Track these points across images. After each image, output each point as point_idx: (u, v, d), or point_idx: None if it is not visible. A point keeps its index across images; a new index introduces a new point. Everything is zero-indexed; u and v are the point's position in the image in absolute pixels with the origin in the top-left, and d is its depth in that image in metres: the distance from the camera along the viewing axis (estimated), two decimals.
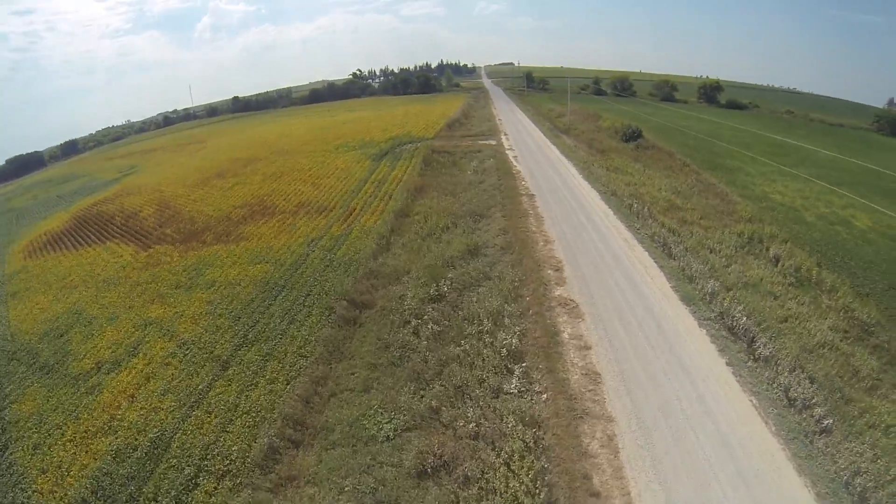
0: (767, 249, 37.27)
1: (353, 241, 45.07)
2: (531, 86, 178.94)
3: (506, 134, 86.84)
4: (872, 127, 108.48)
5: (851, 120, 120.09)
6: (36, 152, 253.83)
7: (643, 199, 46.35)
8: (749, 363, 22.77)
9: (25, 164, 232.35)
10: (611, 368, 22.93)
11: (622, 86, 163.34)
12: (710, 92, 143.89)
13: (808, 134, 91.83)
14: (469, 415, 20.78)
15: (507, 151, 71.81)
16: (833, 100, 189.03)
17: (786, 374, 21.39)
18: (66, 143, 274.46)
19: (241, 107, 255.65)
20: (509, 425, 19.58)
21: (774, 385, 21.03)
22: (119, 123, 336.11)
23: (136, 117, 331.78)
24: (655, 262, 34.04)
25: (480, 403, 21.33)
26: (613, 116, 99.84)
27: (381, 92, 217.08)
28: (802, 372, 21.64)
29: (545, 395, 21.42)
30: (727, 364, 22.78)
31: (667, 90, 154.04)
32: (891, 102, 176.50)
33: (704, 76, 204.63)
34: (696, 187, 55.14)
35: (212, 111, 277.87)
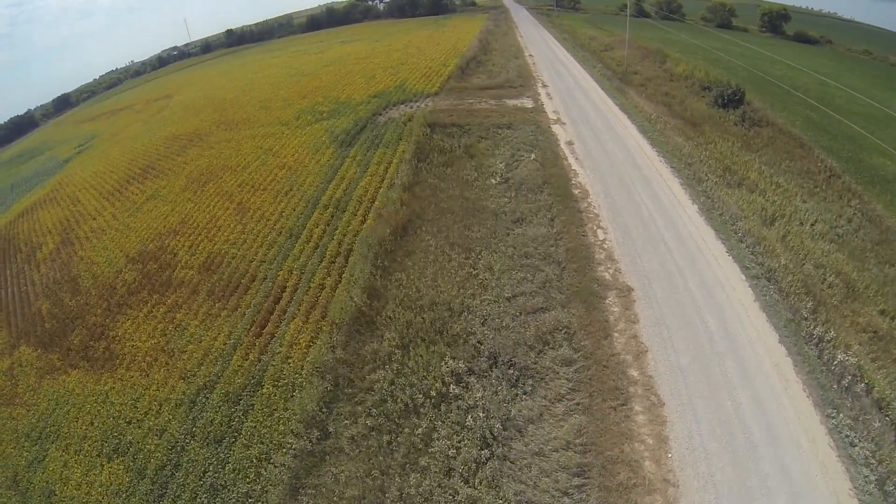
0: None
1: (258, 412, 21.77)
2: (560, 4, 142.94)
3: (544, 84, 56.86)
4: None
5: None
6: (27, 112, 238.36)
7: (810, 283, 22.64)
8: None
9: (18, 127, 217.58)
10: None
11: (669, 7, 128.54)
12: (776, 20, 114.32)
13: None
14: None
15: (552, 127, 42.94)
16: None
17: None
18: (58, 98, 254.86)
19: (236, 40, 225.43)
20: None
21: None
22: (122, 66, 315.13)
23: (140, 57, 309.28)
24: None
25: None
26: (683, 55, 68.91)
27: (385, 14, 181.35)
28: None
29: None
30: None
31: (724, 15, 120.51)
32: None
33: None
34: (865, 231, 29.22)
35: (206, 47, 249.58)
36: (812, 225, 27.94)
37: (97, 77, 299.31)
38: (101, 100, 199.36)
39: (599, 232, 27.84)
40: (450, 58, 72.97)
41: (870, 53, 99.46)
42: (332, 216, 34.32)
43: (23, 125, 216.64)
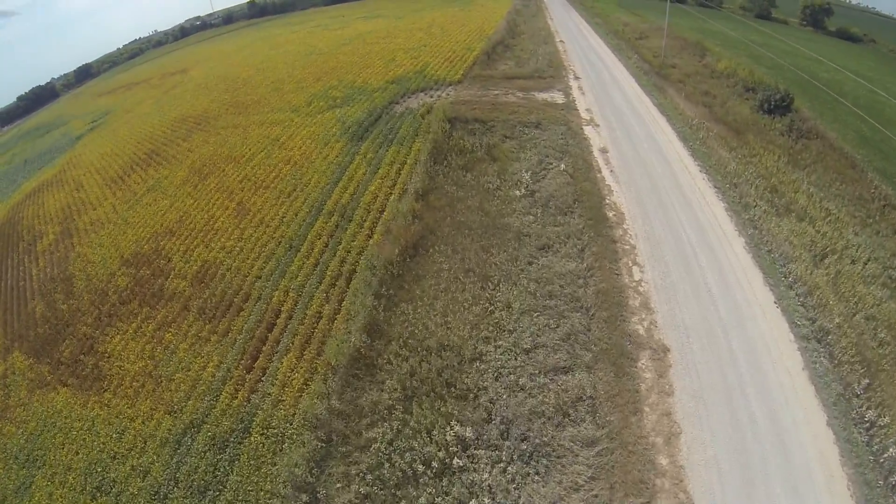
0: None
1: (245, 464, 19.60)
2: None
3: (576, 76, 52.13)
4: None
5: None
6: (49, 83, 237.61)
7: (863, 347, 19.18)
8: None
9: (38, 98, 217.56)
10: None
11: None
12: (818, 14, 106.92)
13: None
14: None
15: (585, 129, 38.65)
16: None
17: None
18: (79, 67, 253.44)
19: (258, 12, 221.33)
20: None
21: None
22: (146, 35, 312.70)
23: (165, 26, 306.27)
24: None
25: None
26: (723, 49, 63.83)
27: None
28: None
29: None
30: None
31: (763, 4, 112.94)
32: None
33: None
34: None
35: (228, 18, 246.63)
36: (865, 264, 23.97)
37: (121, 46, 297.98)
38: (121, 71, 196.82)
39: (635, 270, 23.97)
40: (475, 41, 68.19)
41: None
42: (336, 226, 30.78)
43: (43, 96, 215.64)
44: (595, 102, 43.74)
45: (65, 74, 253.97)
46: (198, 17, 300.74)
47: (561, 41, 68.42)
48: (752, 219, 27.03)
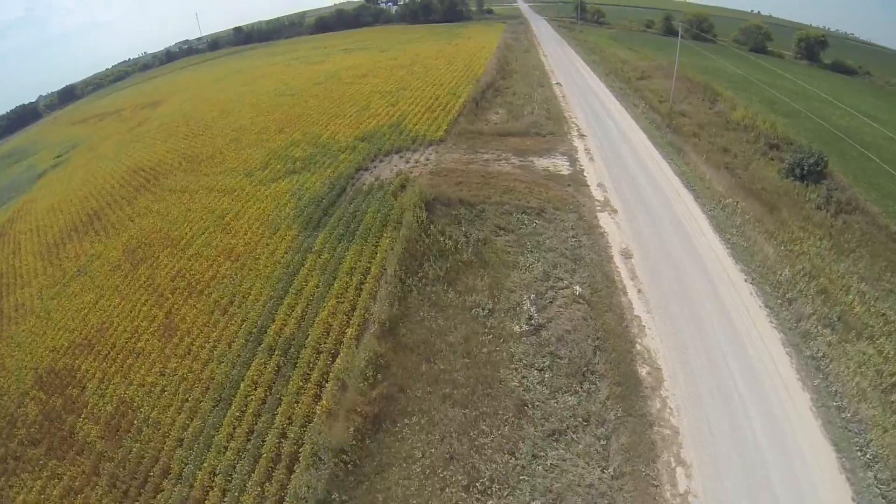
0: None
1: None
2: (583, 17, 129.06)
3: (580, 132, 44.19)
4: None
5: None
6: (33, 103, 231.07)
7: None
8: None
9: (20, 118, 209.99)
10: None
11: (700, 26, 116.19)
12: (813, 47, 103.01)
13: None
14: None
15: (600, 218, 30.34)
16: None
17: None
18: (64, 88, 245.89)
19: (243, 38, 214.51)
20: None
21: None
22: (135, 56, 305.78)
23: (155, 48, 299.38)
24: None
25: None
26: (732, 91, 57.86)
27: (397, 19, 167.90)
28: None
29: None
30: None
31: (759, 38, 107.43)
32: None
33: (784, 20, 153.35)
34: None
35: (213, 44, 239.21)
36: None
37: (109, 67, 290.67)
38: (103, 95, 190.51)
39: (681, 479, 15.89)
40: (462, 83, 60.20)
41: None
42: (276, 371, 22.33)
43: (25, 116, 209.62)
44: (607, 173, 35.57)
45: (49, 94, 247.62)
46: (186, 41, 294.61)
47: (558, 83, 60.61)
48: (814, 356, 19.97)
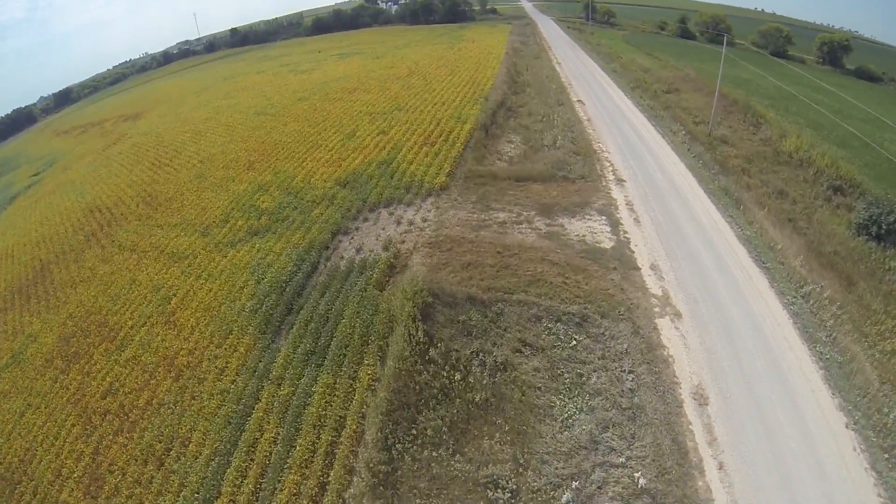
0: None
1: None
2: (592, 17, 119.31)
3: (617, 175, 34.98)
4: None
5: None
6: (28, 106, 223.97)
7: None
8: None
9: (15, 123, 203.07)
10: None
11: (716, 28, 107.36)
12: (836, 52, 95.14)
13: None
14: None
15: (659, 327, 21.24)
16: None
17: None
18: (60, 91, 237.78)
19: (239, 40, 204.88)
20: None
21: None
22: (136, 56, 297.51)
23: (156, 48, 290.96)
24: None
25: None
26: (775, 113, 49.29)
27: (397, 20, 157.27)
28: None
29: None
30: None
31: (780, 41, 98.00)
32: None
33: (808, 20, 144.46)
34: None
35: (210, 46, 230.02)
36: None
37: (111, 67, 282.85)
38: (96, 100, 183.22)
39: None
40: (467, 102, 50.93)
41: None
42: None
43: (20, 120, 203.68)
44: (659, 243, 26.83)
45: (46, 97, 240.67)
46: (186, 42, 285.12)
47: (580, 101, 51.34)
48: None
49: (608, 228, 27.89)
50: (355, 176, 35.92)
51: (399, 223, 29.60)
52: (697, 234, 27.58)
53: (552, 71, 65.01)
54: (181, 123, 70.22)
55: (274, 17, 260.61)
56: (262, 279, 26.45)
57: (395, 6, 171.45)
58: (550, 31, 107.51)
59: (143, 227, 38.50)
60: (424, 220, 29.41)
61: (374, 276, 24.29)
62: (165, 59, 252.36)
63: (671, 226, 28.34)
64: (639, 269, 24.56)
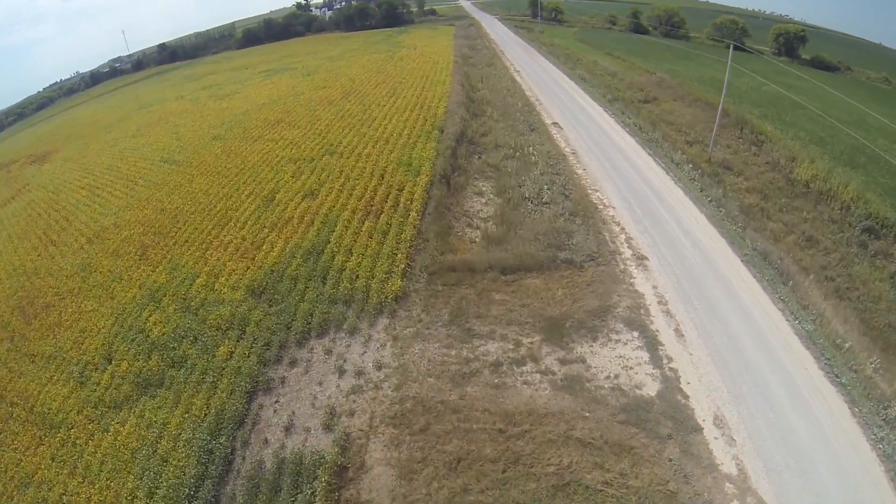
0: None
1: None
2: (539, 14, 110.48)
3: (634, 247, 25.09)
4: None
5: None
6: None
7: None
8: None
9: None
10: None
11: (669, 21, 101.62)
12: (792, 42, 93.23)
13: None
14: None
15: None
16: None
17: None
18: None
19: (167, 56, 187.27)
20: None
21: None
22: (67, 77, 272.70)
23: (88, 66, 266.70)
24: None
25: None
26: (771, 125, 42.18)
27: (332, 26, 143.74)
28: None
29: None
30: None
31: (735, 34, 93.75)
32: None
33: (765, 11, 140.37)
34: None
35: (138, 63, 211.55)
36: None
37: (41, 89, 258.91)
38: (15, 132, 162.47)
39: None
40: (417, 135, 40.72)
41: (889, 82, 78.46)
42: None
43: None
44: (716, 372, 17.66)
45: None
46: (118, 59, 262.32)
47: (555, 123, 41.75)
48: None
49: (646, 355, 18.34)
50: (274, 278, 25.10)
51: (342, 372, 19.21)
52: (756, 346, 18.65)
53: (512, 82, 55.11)
54: (82, 174, 57.25)
55: (206, 30, 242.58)
56: (156, 489, 15.97)
57: (329, 12, 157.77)
58: (498, 31, 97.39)
59: (14, 357, 26.90)
60: (379, 367, 19.11)
61: (319, 491, 14.22)
62: (93, 79, 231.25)
63: (723, 337, 19.11)
64: (700, 429, 15.27)
